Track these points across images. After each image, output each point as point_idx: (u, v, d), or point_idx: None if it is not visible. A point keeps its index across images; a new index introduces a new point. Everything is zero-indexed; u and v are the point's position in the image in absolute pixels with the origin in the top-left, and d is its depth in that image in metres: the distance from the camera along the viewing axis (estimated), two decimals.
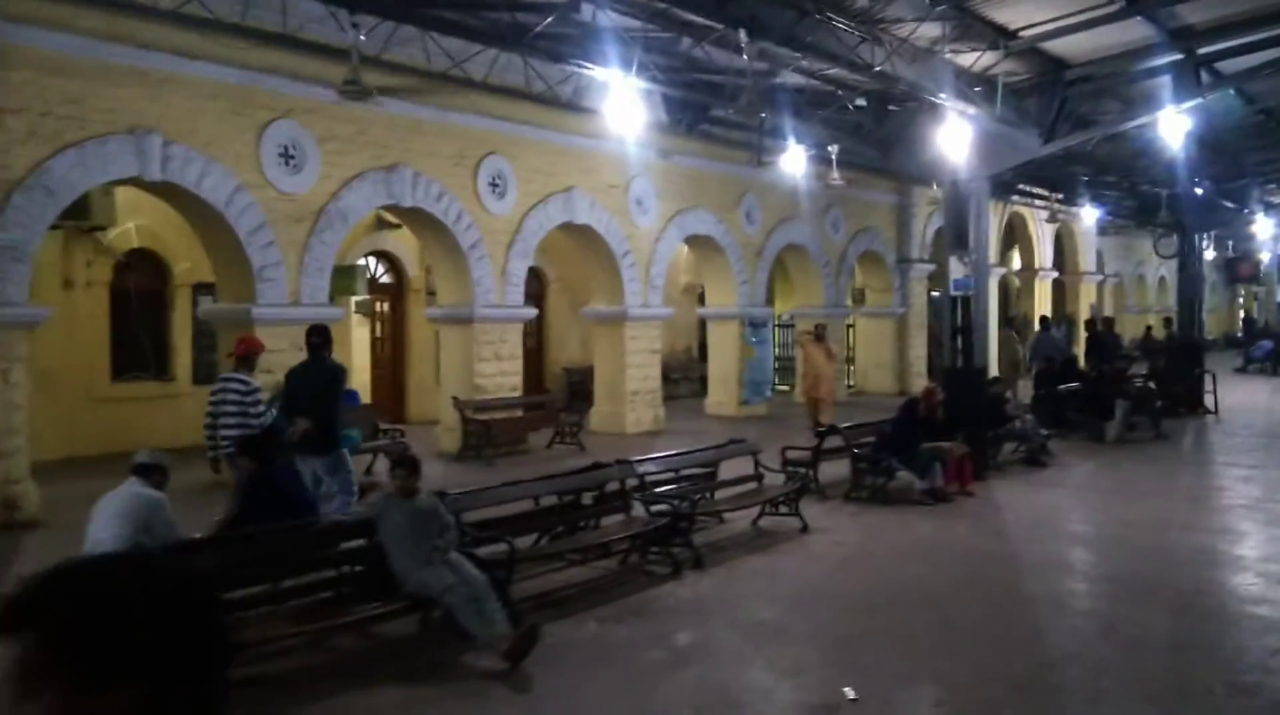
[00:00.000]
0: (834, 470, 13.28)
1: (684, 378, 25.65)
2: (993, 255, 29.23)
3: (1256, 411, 23.31)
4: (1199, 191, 22.92)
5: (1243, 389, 29.04)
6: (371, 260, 19.58)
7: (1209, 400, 22.90)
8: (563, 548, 8.77)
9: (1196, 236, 24.38)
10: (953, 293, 14.75)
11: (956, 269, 14.65)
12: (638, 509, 9.75)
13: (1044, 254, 32.61)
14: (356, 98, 10.87)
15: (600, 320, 18.69)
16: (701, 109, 16.27)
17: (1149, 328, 34.10)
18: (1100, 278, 37.60)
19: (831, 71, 12.96)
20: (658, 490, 10.08)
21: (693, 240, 20.56)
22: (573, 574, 9.03)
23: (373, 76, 13.26)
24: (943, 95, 11.79)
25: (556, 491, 9.44)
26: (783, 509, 11.13)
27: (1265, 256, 45.81)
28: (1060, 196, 26.70)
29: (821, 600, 8.61)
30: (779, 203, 21.89)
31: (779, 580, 9.15)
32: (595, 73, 10.86)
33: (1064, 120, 14.00)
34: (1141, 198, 24.91)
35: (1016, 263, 34.10)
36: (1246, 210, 25.36)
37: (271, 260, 12.68)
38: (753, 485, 11.32)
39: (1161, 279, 44.94)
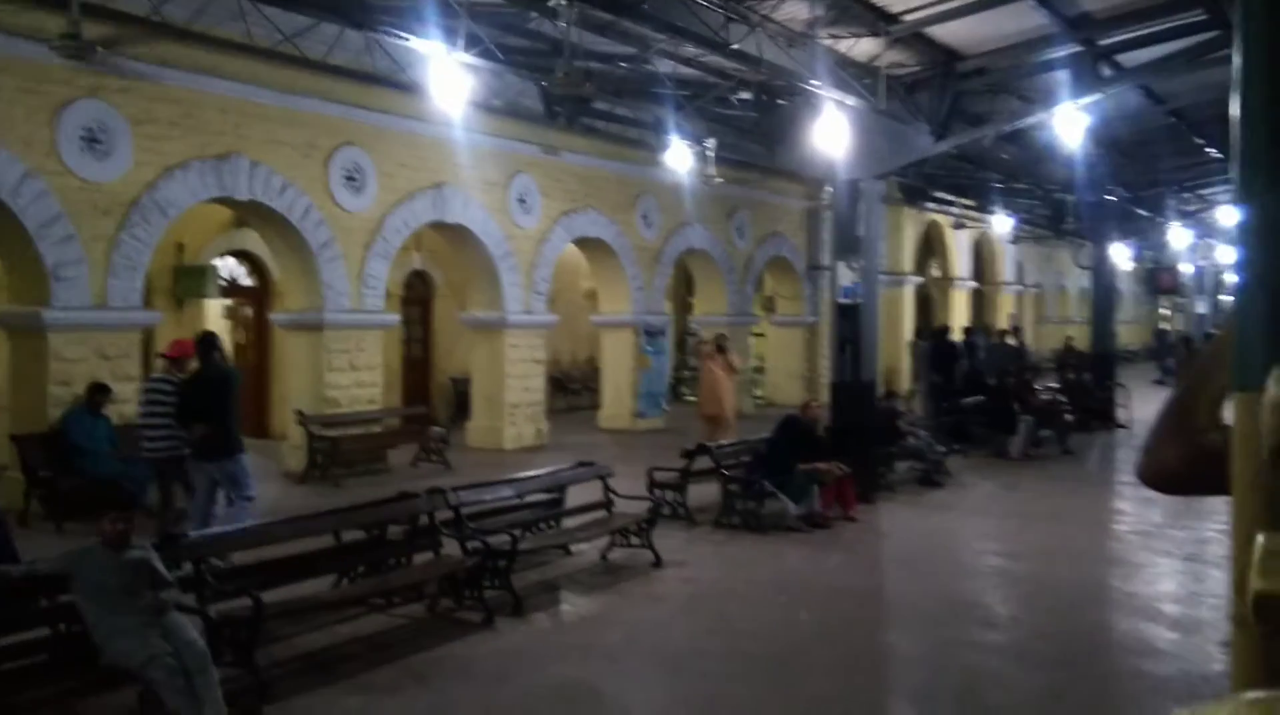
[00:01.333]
0: (710, 493, 12.14)
1: (584, 388, 24.39)
2: (908, 263, 28.51)
3: None
4: (1112, 199, 22.25)
5: (1157, 401, 28.38)
6: (231, 261, 18.11)
7: (1121, 413, 22.21)
8: (343, 596, 7.47)
9: (1109, 246, 23.70)
10: (840, 300, 13.71)
11: (844, 275, 13.61)
12: (460, 544, 8.49)
13: (961, 263, 31.89)
14: (74, 55, 9.49)
15: (478, 327, 17.40)
16: (581, 100, 15.08)
17: (1069, 339, 33.59)
18: (1019, 288, 37.08)
19: (707, 58, 11.90)
20: (478, 523, 8.84)
21: (583, 243, 19.35)
22: (368, 624, 7.78)
23: (190, 50, 11.96)
24: (814, 82, 10.71)
25: (357, 526, 8.18)
26: (635, 540, 9.96)
27: (1189, 268, 45.79)
28: (972, 203, 25.98)
29: (647, 655, 7.43)
30: (678, 205, 20.77)
31: (606, 629, 7.96)
32: (414, 44, 9.63)
33: (957, 117, 13.03)
34: (1055, 206, 24.20)
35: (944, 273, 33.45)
36: (1161, 219, 24.75)
37: (70, 257, 11.24)
38: (601, 513, 10.12)
39: (1083, 289, 44.61)
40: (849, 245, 13.61)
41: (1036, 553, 10.76)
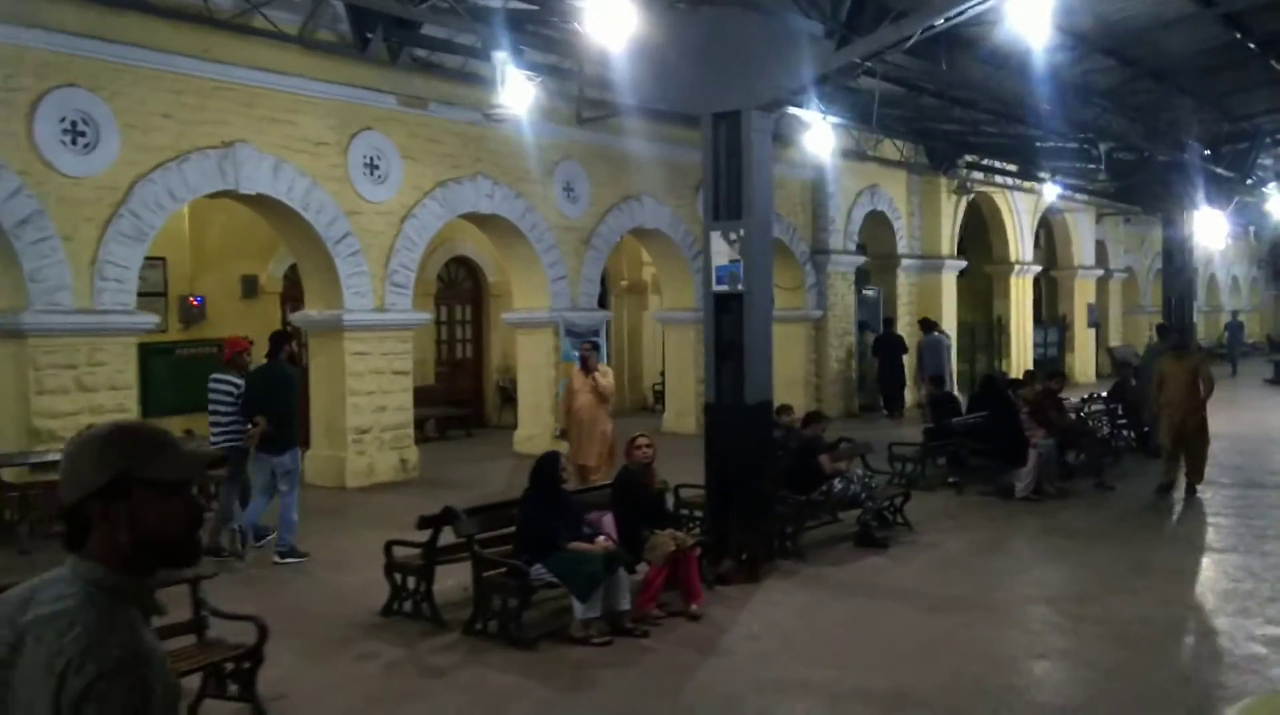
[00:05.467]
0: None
1: None
2: (947, 245, 23.96)
3: (1261, 443, 17.72)
4: (1182, 154, 17.45)
5: (1262, 408, 23.34)
6: None
7: None
8: None
9: (1183, 216, 18.84)
10: (714, 288, 9.55)
11: (719, 250, 9.45)
12: None
13: (1021, 245, 27.04)
14: None
15: (313, 329, 13.68)
16: (400, 23, 11.21)
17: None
18: (1099, 272, 31.87)
19: None
20: None
21: (477, 222, 15.51)
22: None
23: None
24: None
25: None
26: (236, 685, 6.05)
27: None
28: (1014, 168, 21.32)
29: None
30: (618, 174, 16.77)
31: None
32: None
33: (869, 12, 8.75)
34: (1114, 166, 19.35)
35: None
36: (1250, 181, 19.69)
37: None
38: (189, 639, 6.22)
39: None
40: (726, 207, 9.44)
41: (935, 693, 6.50)
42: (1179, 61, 13.11)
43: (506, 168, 15.08)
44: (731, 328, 9.44)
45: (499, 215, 15.07)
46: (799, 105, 11.60)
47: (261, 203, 12.55)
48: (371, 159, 13.42)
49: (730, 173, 9.36)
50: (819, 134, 13.42)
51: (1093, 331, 31.37)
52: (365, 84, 13.17)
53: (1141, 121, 15.99)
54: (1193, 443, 12.85)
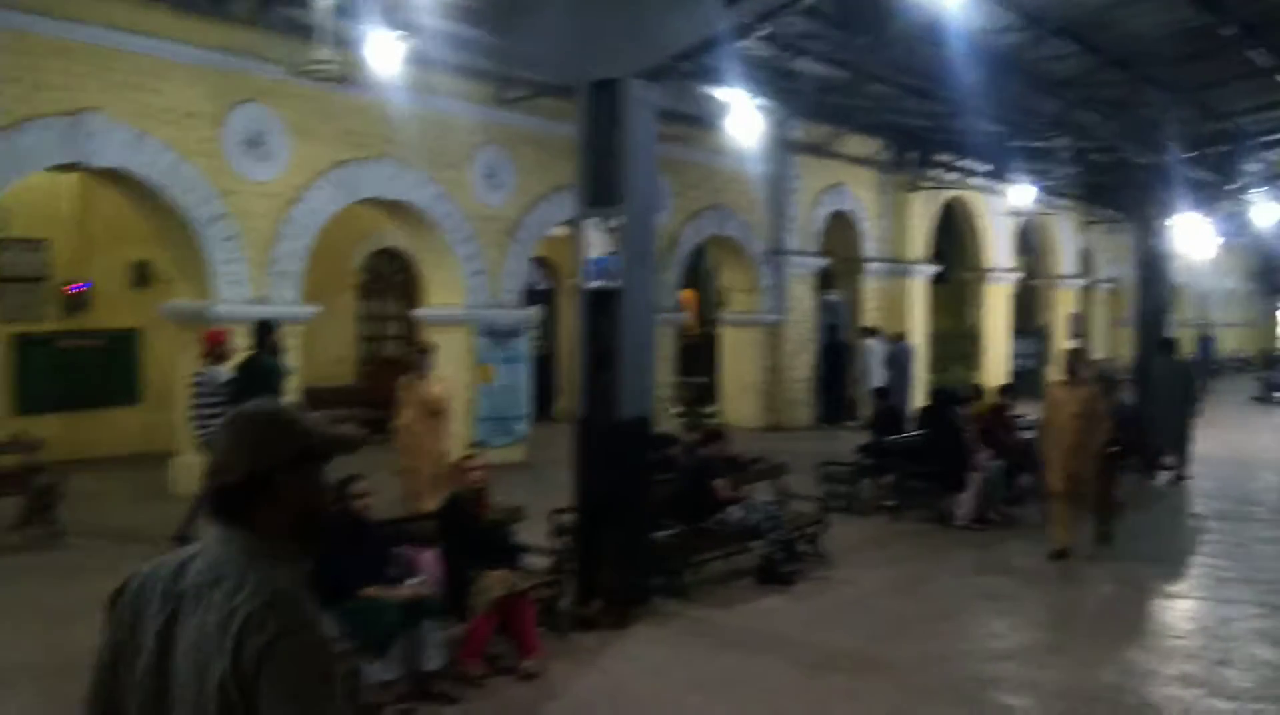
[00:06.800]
0: None
1: None
2: (916, 248, 22.68)
3: (1238, 468, 16.43)
4: (1160, 158, 16.13)
5: (1248, 428, 22.06)
6: None
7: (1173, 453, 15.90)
8: None
9: (1158, 222, 17.54)
10: (588, 285, 8.25)
11: (595, 242, 8.15)
12: None
13: (997, 251, 25.73)
14: None
15: (182, 323, 12.38)
16: None
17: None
18: (1083, 282, 30.56)
19: None
20: None
21: (384, 207, 14.21)
22: None
23: None
24: None
25: None
26: None
27: None
28: (989, 167, 19.99)
29: None
30: (549, 161, 15.42)
31: None
32: None
33: None
34: (1089, 170, 18.05)
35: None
36: (1233, 186, 18.37)
37: None
38: None
39: (1180, 285, 37.22)
40: (601, 191, 8.15)
41: None
42: (1147, 47, 11.80)
43: (418, 150, 13.74)
44: (606, 330, 8.14)
45: (406, 202, 13.77)
46: (713, 82, 10.33)
47: (117, 179, 11.25)
48: (252, 135, 12.12)
49: (608, 151, 8.07)
50: (741, 116, 12.10)
51: (1075, 344, 30.05)
52: (248, 50, 11.90)
53: (1115, 118, 14.69)
54: (1087, 489, 9.96)
